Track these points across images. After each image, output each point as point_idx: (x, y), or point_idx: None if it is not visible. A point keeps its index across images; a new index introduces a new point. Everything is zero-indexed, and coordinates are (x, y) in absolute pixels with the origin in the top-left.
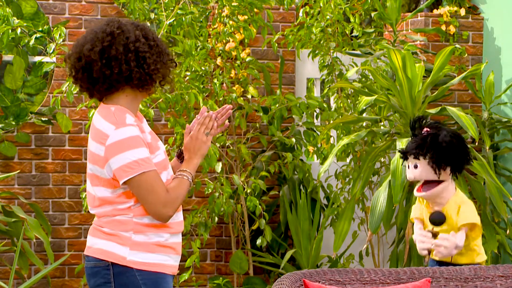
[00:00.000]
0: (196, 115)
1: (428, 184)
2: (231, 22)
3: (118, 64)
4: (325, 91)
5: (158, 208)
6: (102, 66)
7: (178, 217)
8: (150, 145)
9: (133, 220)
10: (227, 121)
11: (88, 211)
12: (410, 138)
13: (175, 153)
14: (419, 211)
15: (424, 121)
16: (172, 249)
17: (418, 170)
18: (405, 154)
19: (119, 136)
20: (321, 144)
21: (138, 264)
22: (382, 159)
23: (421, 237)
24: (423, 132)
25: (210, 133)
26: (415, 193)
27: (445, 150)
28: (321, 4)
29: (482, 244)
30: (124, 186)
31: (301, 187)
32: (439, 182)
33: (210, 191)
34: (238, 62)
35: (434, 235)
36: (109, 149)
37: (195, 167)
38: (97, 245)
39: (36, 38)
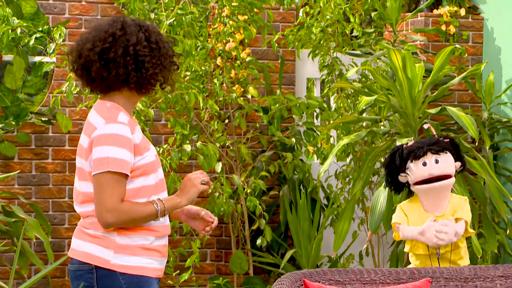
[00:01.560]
0: None
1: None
2: (231, 22)
3: (115, 67)
4: (325, 91)
5: (101, 209)
6: (100, 67)
7: (166, 220)
8: (138, 146)
9: None
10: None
11: None
12: (411, 140)
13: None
14: (402, 217)
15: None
16: (158, 251)
17: (440, 164)
18: (418, 152)
19: (106, 130)
20: (321, 144)
21: (122, 268)
22: (382, 159)
23: (439, 226)
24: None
25: (206, 183)
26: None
27: (458, 148)
28: (321, 4)
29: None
30: None
31: (301, 187)
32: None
33: (210, 191)
34: (238, 62)
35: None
36: (93, 141)
37: (174, 206)
38: (80, 247)
39: (36, 38)
